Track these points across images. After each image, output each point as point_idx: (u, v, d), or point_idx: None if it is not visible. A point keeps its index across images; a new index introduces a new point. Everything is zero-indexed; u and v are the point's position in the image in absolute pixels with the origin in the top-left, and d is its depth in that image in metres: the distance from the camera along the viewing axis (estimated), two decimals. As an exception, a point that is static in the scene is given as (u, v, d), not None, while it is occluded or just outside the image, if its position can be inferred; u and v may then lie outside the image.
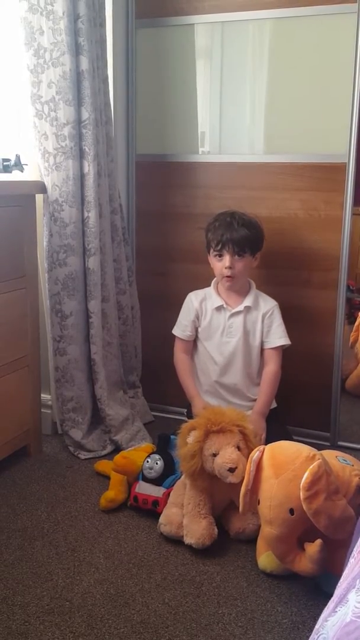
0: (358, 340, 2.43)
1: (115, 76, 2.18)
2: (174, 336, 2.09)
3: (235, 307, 2.00)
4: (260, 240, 1.99)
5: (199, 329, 2.05)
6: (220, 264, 1.95)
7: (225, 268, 1.93)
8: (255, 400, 2.00)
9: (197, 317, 2.04)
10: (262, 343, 2.00)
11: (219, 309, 2.01)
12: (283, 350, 2.01)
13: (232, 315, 1.99)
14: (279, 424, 1.99)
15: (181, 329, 2.07)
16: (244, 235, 1.92)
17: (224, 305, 2.00)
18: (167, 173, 2.29)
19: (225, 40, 2.14)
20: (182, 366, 2.08)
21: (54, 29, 1.84)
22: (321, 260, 2.11)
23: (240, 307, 1.99)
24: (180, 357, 2.08)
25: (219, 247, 1.94)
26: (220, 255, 1.95)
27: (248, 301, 1.99)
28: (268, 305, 2.00)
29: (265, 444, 1.46)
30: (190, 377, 2.06)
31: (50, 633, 1.28)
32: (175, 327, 2.09)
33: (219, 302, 2.01)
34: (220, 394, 2.03)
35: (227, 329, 1.99)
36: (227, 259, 1.93)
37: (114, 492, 1.75)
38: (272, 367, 1.99)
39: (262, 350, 2.01)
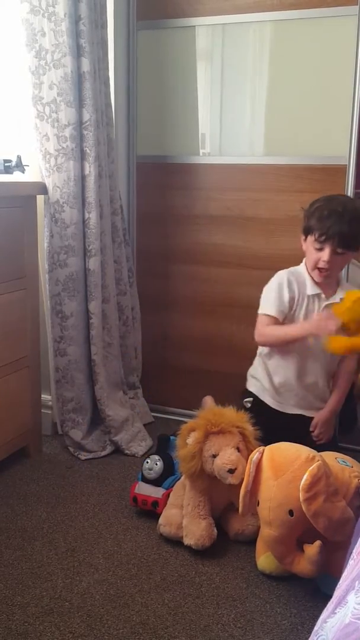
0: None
1: (116, 78, 2.19)
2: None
3: (330, 296, 1.84)
4: None
5: (290, 314, 1.85)
6: (317, 256, 1.77)
7: (323, 261, 1.76)
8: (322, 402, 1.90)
9: (293, 299, 1.84)
10: None
11: (315, 297, 1.85)
12: None
13: (328, 305, 1.82)
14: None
15: (277, 305, 1.82)
16: (354, 231, 1.73)
17: (321, 294, 1.84)
18: (168, 174, 2.29)
19: (226, 42, 2.14)
20: (271, 329, 1.84)
21: (55, 30, 1.85)
22: (321, 262, 2.10)
23: (336, 298, 1.83)
24: (267, 328, 1.84)
25: (322, 239, 1.75)
26: (321, 249, 1.77)
27: (342, 292, 1.82)
28: None
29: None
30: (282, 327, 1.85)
31: (50, 633, 1.28)
32: (266, 307, 1.85)
33: (315, 289, 1.84)
34: (298, 392, 1.89)
35: None
36: (327, 253, 1.75)
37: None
38: (351, 362, 1.86)
39: None
